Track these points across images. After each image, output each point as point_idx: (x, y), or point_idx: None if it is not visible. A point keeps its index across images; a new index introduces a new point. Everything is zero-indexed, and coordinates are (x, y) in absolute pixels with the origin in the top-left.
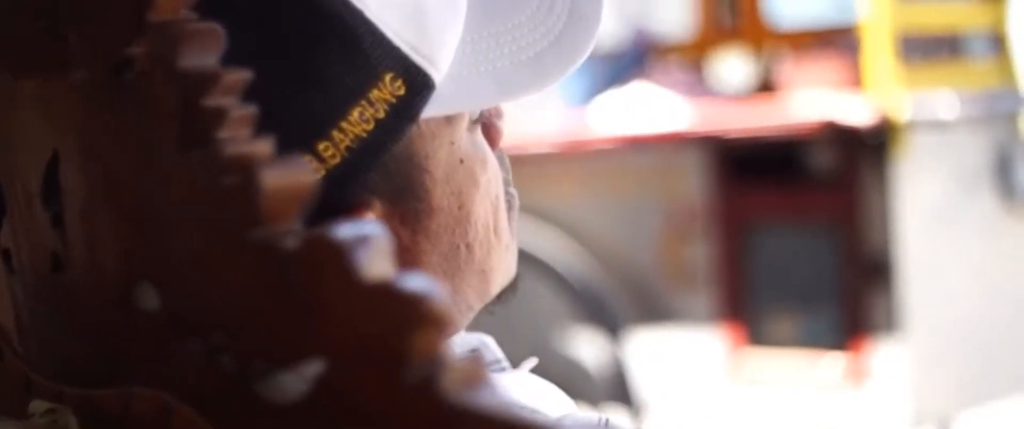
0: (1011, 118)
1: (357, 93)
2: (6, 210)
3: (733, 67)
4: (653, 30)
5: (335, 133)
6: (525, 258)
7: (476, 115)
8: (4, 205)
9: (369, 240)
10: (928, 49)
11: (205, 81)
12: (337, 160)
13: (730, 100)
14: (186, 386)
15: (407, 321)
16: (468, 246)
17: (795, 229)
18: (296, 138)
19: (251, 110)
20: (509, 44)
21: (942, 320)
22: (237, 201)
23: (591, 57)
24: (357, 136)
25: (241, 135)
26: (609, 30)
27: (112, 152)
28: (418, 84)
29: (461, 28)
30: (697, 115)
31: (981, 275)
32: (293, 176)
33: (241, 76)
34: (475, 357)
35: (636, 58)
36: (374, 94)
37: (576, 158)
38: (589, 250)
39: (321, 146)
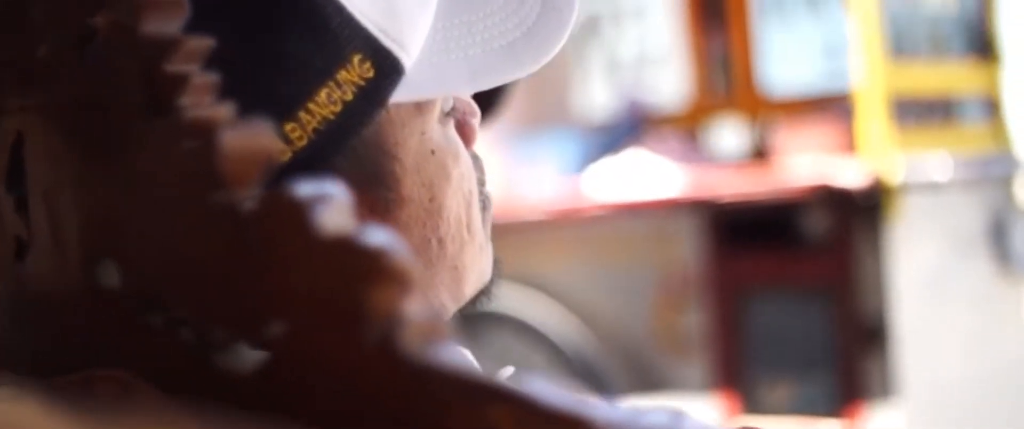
0: (1006, 182)
1: (325, 74)
2: None
3: (727, 135)
4: (647, 100)
5: (302, 114)
6: (518, 326)
7: (448, 108)
8: None
9: (328, 196)
10: (922, 112)
11: (166, 47)
12: (304, 142)
13: (724, 166)
14: (149, 363)
15: (366, 276)
16: (440, 241)
17: (789, 294)
18: (263, 118)
19: (213, 76)
20: (481, 32)
21: (937, 386)
22: (197, 165)
23: (587, 127)
24: (325, 118)
25: (203, 101)
26: (604, 101)
27: (75, 125)
28: (387, 67)
29: (432, 14)
30: (690, 181)
31: (976, 341)
32: (253, 139)
33: (203, 43)
34: (436, 314)
35: (630, 128)
36: (342, 75)
37: (569, 225)
38: (582, 318)
39: (288, 127)
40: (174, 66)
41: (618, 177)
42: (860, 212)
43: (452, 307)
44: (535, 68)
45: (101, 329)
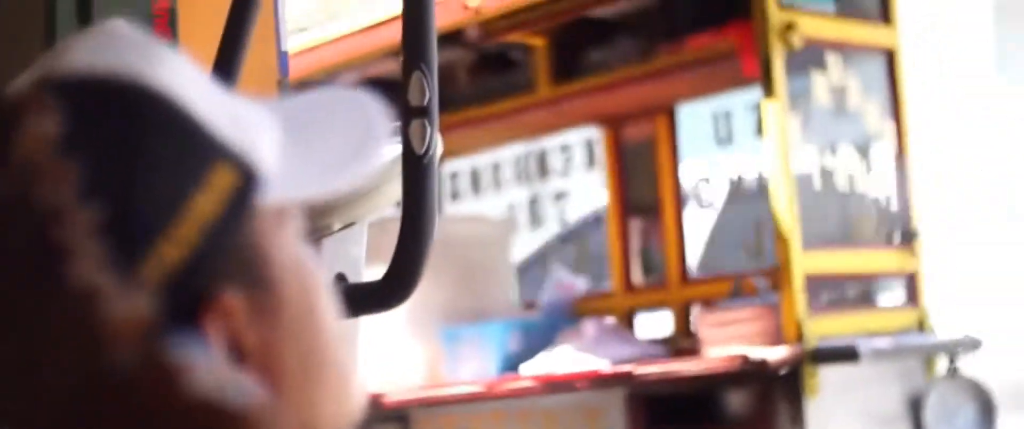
0: (922, 358)
1: (193, 186)
2: None
3: (653, 317)
4: (577, 285)
5: (178, 229)
6: None
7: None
8: None
9: (198, 360)
10: (840, 291)
11: (56, 217)
12: (184, 251)
13: (651, 347)
14: None
15: None
16: (323, 347)
17: None
18: (142, 235)
19: (99, 244)
20: (322, 151)
21: None
22: (82, 332)
23: (519, 312)
24: (201, 227)
25: (89, 268)
26: (536, 288)
27: None
28: (248, 175)
29: (277, 128)
30: (618, 359)
31: None
32: (133, 306)
33: (90, 212)
34: None
35: (559, 308)
36: (209, 186)
37: (500, 399)
38: None
39: (167, 240)
40: (63, 235)
41: (549, 356)
42: (780, 388)
43: (342, 423)
44: (362, 178)
45: None
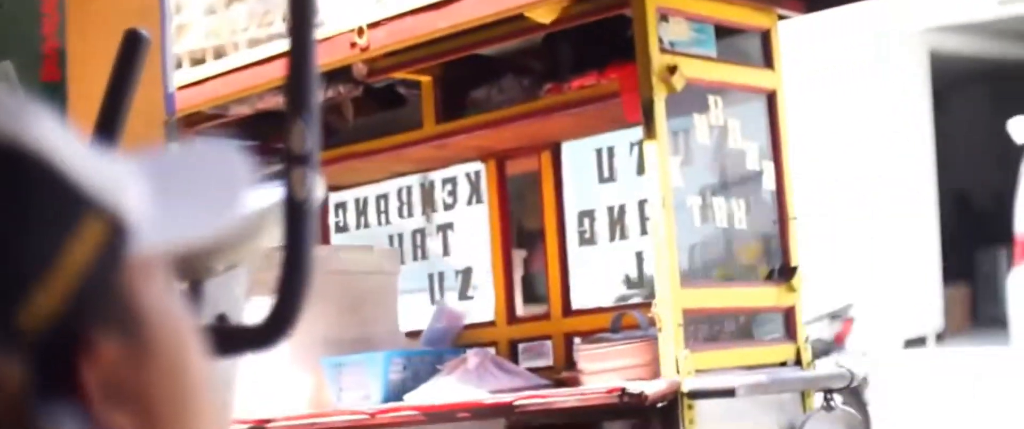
0: (798, 391)
1: (68, 238)
2: None
3: (534, 345)
4: (462, 314)
5: (53, 277)
6: None
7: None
8: None
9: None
10: (720, 325)
11: None
12: (58, 300)
13: (532, 377)
14: None
15: None
16: (194, 393)
17: None
18: (19, 287)
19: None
20: (191, 201)
21: None
22: None
23: (404, 340)
24: (74, 276)
25: None
26: (421, 315)
27: None
28: (117, 226)
29: (147, 184)
30: (499, 389)
31: None
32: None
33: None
34: None
35: (444, 336)
36: (83, 236)
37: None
38: None
39: (43, 290)
40: None
41: (432, 387)
42: (658, 420)
43: None
44: (224, 224)
45: None
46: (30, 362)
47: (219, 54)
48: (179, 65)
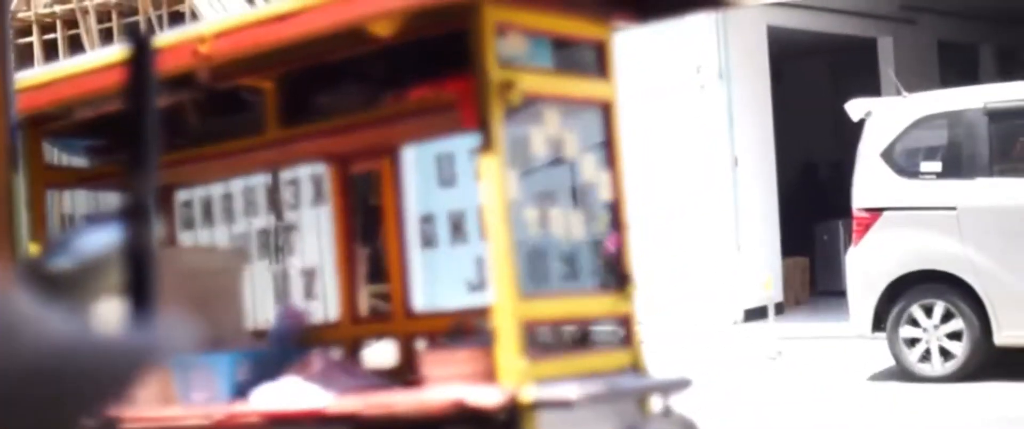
0: (637, 397)
1: None
2: None
3: (377, 349)
4: (305, 316)
5: None
6: None
7: None
8: None
9: None
10: (556, 334)
11: None
12: None
13: (376, 378)
14: None
15: None
16: None
17: None
18: None
19: None
20: None
21: None
22: None
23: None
24: None
25: None
26: (266, 317)
27: None
28: None
29: None
30: (341, 394)
31: None
32: None
33: None
34: None
35: (288, 337)
36: None
37: None
38: None
39: None
40: None
41: (274, 389)
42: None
43: None
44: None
45: None
46: None
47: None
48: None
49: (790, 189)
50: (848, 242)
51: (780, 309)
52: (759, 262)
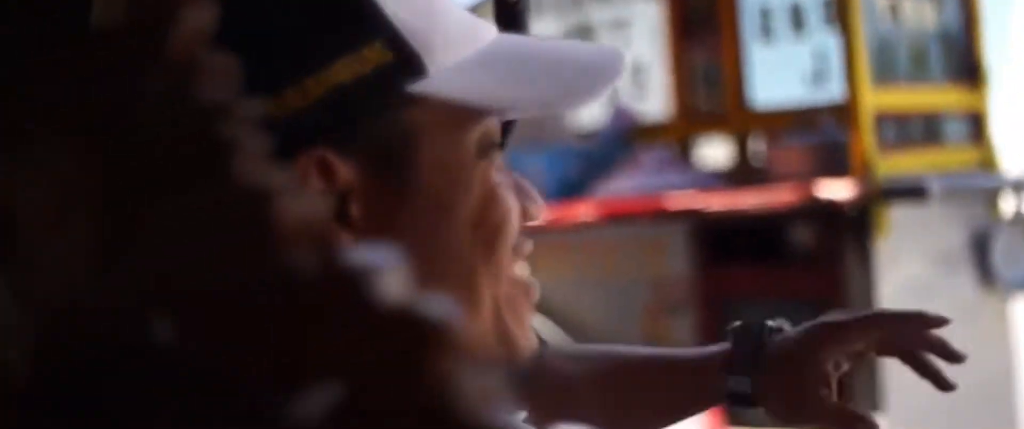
0: (989, 198)
1: (340, 51)
2: None
3: (714, 147)
4: (635, 112)
5: (309, 81)
6: None
7: (494, 142)
8: None
9: (384, 267)
10: (907, 129)
11: (221, 112)
12: (304, 103)
13: (711, 178)
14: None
15: (424, 345)
16: (448, 246)
17: (776, 306)
18: (282, 70)
19: (263, 141)
20: (527, 80)
21: (921, 398)
22: (253, 232)
23: (576, 139)
24: (333, 86)
25: (257, 167)
26: (594, 114)
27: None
28: (406, 60)
29: (477, 43)
30: (679, 193)
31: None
32: (307, 206)
33: (254, 108)
34: (492, 381)
35: (617, 136)
36: (362, 54)
37: (558, 236)
38: (569, 329)
39: (290, 90)
40: (229, 131)
41: (607, 188)
42: (846, 225)
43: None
44: (562, 109)
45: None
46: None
47: None
48: None
49: None
50: None
51: None
52: None
